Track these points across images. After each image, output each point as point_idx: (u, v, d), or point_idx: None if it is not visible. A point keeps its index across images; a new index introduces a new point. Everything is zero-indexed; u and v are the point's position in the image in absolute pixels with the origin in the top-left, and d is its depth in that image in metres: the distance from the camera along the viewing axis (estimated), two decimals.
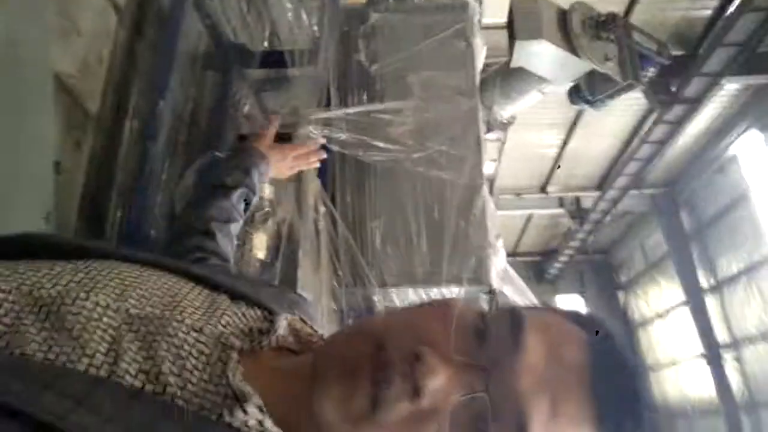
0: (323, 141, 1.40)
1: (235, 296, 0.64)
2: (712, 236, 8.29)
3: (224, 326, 0.58)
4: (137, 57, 2.49)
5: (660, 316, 9.96)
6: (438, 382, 0.47)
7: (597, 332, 0.55)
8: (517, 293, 2.63)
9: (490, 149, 7.76)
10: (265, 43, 2.93)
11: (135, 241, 2.31)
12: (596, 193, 8.35)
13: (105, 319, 0.54)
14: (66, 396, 0.45)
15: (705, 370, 8.53)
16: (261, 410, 0.50)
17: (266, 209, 2.04)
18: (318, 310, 0.80)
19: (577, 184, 8.47)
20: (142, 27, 2.48)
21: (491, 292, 0.52)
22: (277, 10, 2.69)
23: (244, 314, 0.62)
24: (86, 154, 2.32)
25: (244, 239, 1.95)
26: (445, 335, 0.50)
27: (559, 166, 7.34)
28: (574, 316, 0.58)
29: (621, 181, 7.78)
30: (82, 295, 0.55)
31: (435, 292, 2.30)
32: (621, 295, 11.22)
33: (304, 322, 0.65)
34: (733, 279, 7.97)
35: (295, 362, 0.59)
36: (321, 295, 2.15)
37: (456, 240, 2.30)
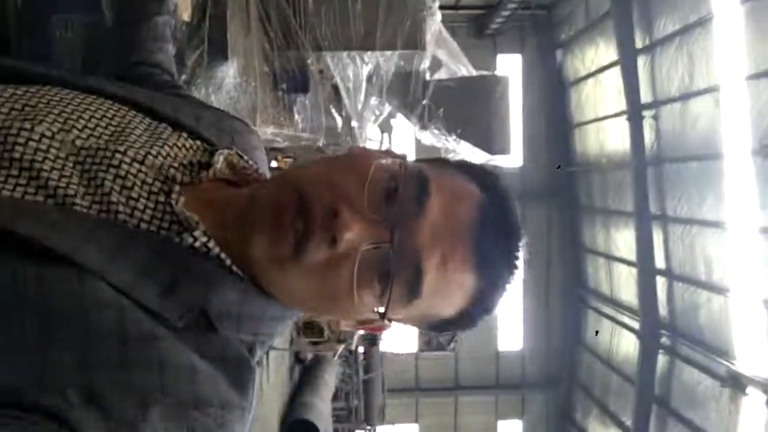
0: None
1: (177, 126, 0.68)
2: None
3: (164, 157, 0.62)
4: None
5: (593, 75, 10.23)
6: (352, 234, 0.55)
7: (491, 189, 0.62)
8: (450, 56, 2.64)
9: None
10: None
11: None
12: None
13: (52, 150, 0.57)
14: (41, 221, 0.50)
15: (624, 127, 9.11)
16: (206, 234, 0.57)
17: None
18: (258, 138, 0.82)
19: None
20: None
21: (401, 157, 0.58)
22: None
23: (184, 146, 0.65)
24: None
25: None
26: (361, 192, 0.56)
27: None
28: (475, 174, 0.63)
29: None
30: (27, 125, 0.57)
31: (369, 56, 2.28)
32: (559, 53, 11.29)
33: (241, 156, 0.68)
34: (666, 40, 8.12)
35: (231, 194, 0.64)
36: (253, 59, 2.10)
37: (392, 1, 2.21)
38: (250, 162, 0.69)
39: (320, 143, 2.61)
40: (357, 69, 2.28)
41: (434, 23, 2.34)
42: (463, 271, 0.58)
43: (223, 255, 0.57)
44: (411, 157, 0.67)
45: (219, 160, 0.65)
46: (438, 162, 0.66)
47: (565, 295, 11.70)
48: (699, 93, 7.60)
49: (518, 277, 0.63)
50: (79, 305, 0.49)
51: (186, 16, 1.86)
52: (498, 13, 10.37)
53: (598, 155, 10.37)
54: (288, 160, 4.07)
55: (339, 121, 2.43)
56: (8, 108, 0.59)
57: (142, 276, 0.52)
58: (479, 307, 0.61)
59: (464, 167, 0.65)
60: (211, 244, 0.57)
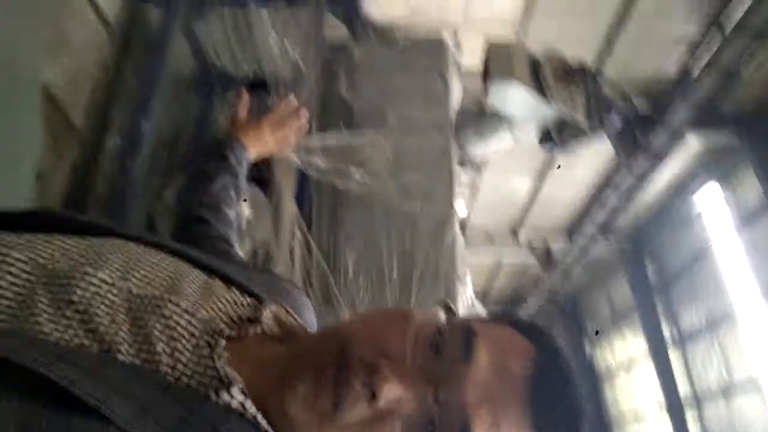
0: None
1: (229, 282, 0.69)
2: (676, 290, 8.47)
3: (215, 312, 0.63)
4: (123, 74, 2.55)
5: (625, 368, 10.03)
6: (392, 389, 0.52)
7: (543, 344, 0.60)
8: None
9: (464, 191, 7.92)
10: (247, 69, 3.01)
11: None
12: (566, 241, 8.51)
13: (109, 296, 0.58)
14: (77, 366, 0.50)
15: (667, 423, 8.57)
16: (244, 393, 0.55)
17: (244, 228, 2.08)
18: (308, 301, 0.83)
19: (547, 230, 8.63)
20: (130, 45, 2.55)
21: (448, 307, 0.57)
22: (262, 40, 2.80)
23: (235, 301, 0.66)
24: (68, 165, 2.36)
25: None
26: (403, 346, 0.55)
27: (559, 166, 7.08)
28: (525, 328, 0.62)
29: (590, 230, 7.96)
30: (90, 270, 0.59)
31: None
32: (587, 345, 11.29)
33: (289, 312, 0.69)
34: (695, 333, 8.12)
35: (275, 351, 0.63)
36: None
37: (426, 270, 2.36)
38: (299, 320, 0.69)
39: None
40: None
41: (466, 291, 2.45)
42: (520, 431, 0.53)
43: (259, 417, 0.54)
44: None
45: (267, 316, 0.65)
46: (486, 317, 0.65)
47: None
48: (739, 386, 7.30)
49: None
50: None
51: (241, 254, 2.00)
52: (524, 304, 10.72)
53: None
54: None
55: None
56: (77, 255, 0.62)
57: None
58: None
59: (514, 321, 0.62)
60: (247, 404, 0.55)
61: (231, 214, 1.08)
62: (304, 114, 1.32)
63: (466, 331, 0.57)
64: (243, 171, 1.16)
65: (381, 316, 0.63)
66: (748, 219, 6.85)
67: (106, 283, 0.59)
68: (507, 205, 7.99)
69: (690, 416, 8.27)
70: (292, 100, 1.32)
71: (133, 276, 0.61)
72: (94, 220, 0.70)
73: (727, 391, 7.54)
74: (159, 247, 0.69)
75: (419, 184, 2.50)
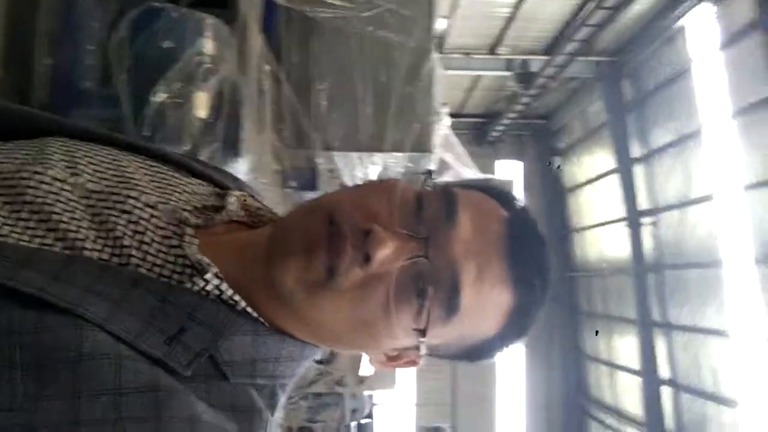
0: None
1: (188, 171, 0.68)
2: (650, 107, 8.52)
3: (176, 202, 0.62)
4: None
5: (590, 182, 10.44)
6: (386, 251, 0.54)
7: (513, 207, 0.64)
8: (457, 160, 2.70)
9: (442, 5, 7.47)
10: None
11: (66, 92, 2.19)
12: (545, 57, 8.31)
13: (64, 194, 0.57)
14: (43, 272, 0.49)
15: (623, 233, 9.18)
16: (218, 277, 0.56)
17: (208, 65, 1.95)
18: (256, 187, 0.82)
19: (526, 46, 8.38)
20: None
21: (428, 173, 0.60)
22: None
23: (194, 191, 0.65)
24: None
25: (185, 97, 1.88)
26: (390, 211, 0.57)
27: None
28: (494, 193, 0.65)
29: (570, 47, 7.74)
30: (39, 169, 0.57)
31: (378, 157, 2.33)
32: (557, 161, 11.59)
33: (253, 197, 0.68)
34: (662, 150, 8.34)
35: (249, 235, 0.64)
36: (264, 156, 2.14)
37: (402, 106, 2.29)
38: (265, 203, 0.69)
39: None
40: (365, 170, 2.33)
41: (442, 128, 2.41)
42: (500, 283, 0.58)
43: (236, 297, 0.56)
44: None
45: (232, 202, 0.64)
46: (460, 182, 0.68)
47: (566, 406, 11.28)
48: (695, 201, 7.71)
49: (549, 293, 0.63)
50: (74, 358, 0.46)
51: (202, 113, 1.92)
52: (498, 121, 10.77)
53: (598, 260, 10.37)
54: None
55: None
56: (21, 154, 0.60)
57: (148, 324, 0.51)
58: (514, 327, 0.61)
59: (484, 187, 0.66)
60: (223, 287, 0.55)
61: None
62: None
63: (446, 195, 0.60)
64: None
65: (364, 186, 0.64)
66: (735, 36, 6.68)
67: (58, 179, 0.57)
68: (487, 21, 7.65)
69: (647, 224, 8.84)
70: None
71: (84, 172, 0.60)
72: (35, 113, 0.67)
73: (682, 204, 7.99)
74: (110, 142, 0.67)
75: (396, 12, 2.33)
